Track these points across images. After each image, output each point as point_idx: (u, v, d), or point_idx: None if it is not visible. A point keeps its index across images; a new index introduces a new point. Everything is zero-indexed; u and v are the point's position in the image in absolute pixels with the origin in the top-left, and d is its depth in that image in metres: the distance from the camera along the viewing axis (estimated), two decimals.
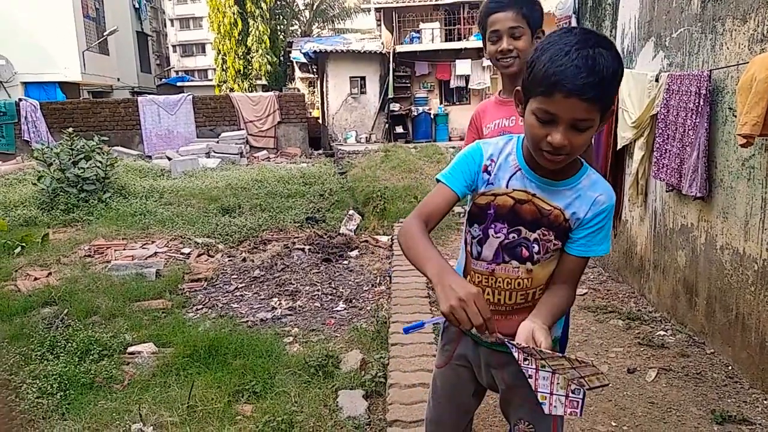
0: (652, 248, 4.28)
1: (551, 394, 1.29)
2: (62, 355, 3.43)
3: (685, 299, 3.79)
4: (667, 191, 3.96)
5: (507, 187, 1.40)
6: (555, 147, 1.26)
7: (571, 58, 1.19)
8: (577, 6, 5.75)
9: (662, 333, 3.82)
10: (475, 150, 1.45)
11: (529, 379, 1.30)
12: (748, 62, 2.87)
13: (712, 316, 3.48)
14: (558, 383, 1.28)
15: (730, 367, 3.28)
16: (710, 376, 3.22)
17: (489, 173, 1.42)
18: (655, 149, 3.99)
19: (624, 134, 4.39)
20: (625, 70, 4.44)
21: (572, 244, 1.41)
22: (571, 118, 1.23)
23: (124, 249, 6.13)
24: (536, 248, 1.41)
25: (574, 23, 5.75)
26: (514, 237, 1.42)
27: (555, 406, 1.29)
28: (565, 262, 1.43)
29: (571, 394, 1.28)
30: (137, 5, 29.35)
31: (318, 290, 4.86)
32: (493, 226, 1.43)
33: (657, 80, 3.96)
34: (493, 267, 1.45)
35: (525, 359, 1.30)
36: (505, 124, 1.96)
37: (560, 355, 1.28)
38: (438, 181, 1.45)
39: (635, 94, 4.20)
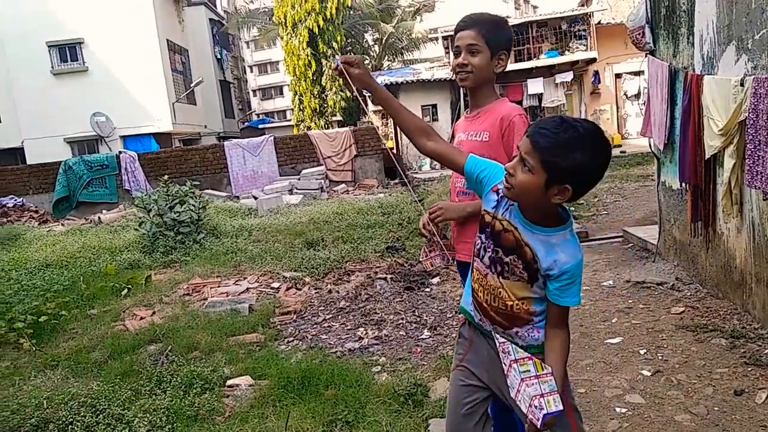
0: (753, 260, 4.02)
1: (518, 390, 1.62)
2: (168, 389, 3.65)
3: None
4: (764, 199, 3.73)
5: (501, 215, 1.72)
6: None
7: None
8: (649, 16, 5.59)
9: None
10: (502, 171, 1.72)
11: (504, 366, 1.68)
12: None
13: None
14: (525, 391, 1.59)
15: None
16: None
17: (498, 197, 1.73)
18: (746, 156, 3.78)
19: (712, 143, 4.20)
20: (707, 77, 4.30)
21: (548, 292, 1.69)
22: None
23: (219, 286, 6.47)
24: (507, 268, 1.71)
25: (648, 33, 5.59)
26: (494, 255, 1.74)
27: (520, 400, 1.61)
28: (550, 307, 1.71)
29: (533, 406, 1.56)
30: (219, 56, 31.37)
31: (402, 319, 4.91)
32: (488, 241, 1.76)
33: (742, 84, 3.78)
34: (487, 272, 1.77)
35: (503, 352, 1.68)
36: (475, 138, 2.23)
37: (528, 356, 1.64)
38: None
39: (720, 101, 4.02)
